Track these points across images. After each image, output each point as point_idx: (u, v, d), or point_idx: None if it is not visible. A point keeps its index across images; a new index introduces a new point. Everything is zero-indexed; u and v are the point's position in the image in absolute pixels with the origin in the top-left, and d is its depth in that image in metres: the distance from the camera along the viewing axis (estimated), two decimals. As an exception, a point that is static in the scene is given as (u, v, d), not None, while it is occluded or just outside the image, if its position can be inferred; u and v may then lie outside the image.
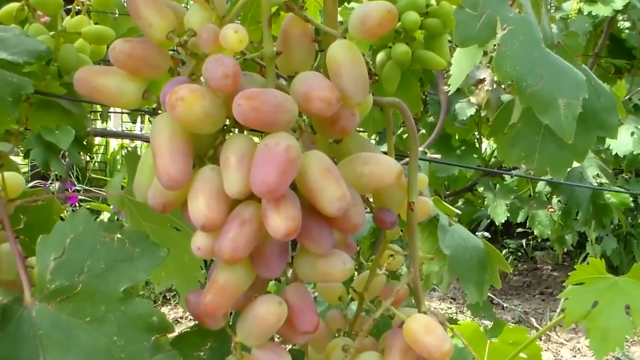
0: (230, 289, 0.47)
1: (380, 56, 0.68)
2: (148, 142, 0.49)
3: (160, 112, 0.49)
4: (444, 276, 0.79)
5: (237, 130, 0.49)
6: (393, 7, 0.45)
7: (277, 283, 0.63)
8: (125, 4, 0.96)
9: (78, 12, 0.76)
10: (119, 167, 4.57)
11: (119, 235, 0.49)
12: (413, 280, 0.54)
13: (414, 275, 0.54)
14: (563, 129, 0.46)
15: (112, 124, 4.71)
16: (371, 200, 0.56)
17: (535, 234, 2.51)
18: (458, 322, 0.96)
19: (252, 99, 0.42)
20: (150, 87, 0.50)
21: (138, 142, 4.66)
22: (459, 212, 0.87)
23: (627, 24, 2.59)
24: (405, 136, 1.85)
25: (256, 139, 0.47)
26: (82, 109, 0.73)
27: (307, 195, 0.45)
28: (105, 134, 2.58)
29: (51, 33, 0.72)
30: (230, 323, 0.52)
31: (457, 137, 2.07)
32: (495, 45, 0.46)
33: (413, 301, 0.56)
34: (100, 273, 0.48)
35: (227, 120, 0.48)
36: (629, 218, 3.53)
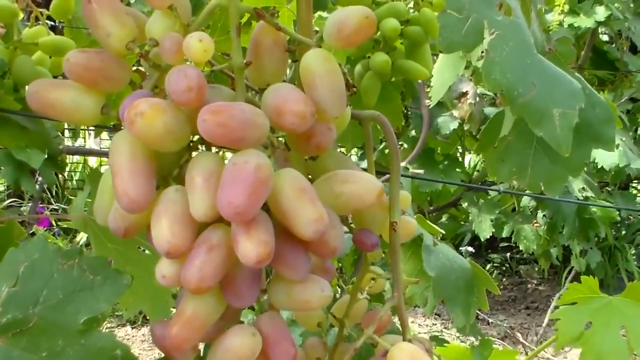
0: (199, 320, 0.43)
1: (358, 67, 0.64)
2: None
3: (122, 128, 0.45)
4: (429, 298, 0.75)
5: (203, 147, 0.45)
6: (371, 12, 0.41)
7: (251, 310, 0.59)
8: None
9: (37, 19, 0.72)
10: (98, 184, 4.49)
11: (78, 263, 0.45)
12: (397, 305, 0.51)
13: (398, 299, 0.51)
14: (559, 142, 0.43)
15: (91, 142, 4.65)
16: (350, 220, 0.53)
17: (519, 248, 2.49)
18: (445, 343, 0.93)
19: (218, 114, 0.39)
20: (113, 101, 0.46)
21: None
22: (442, 231, 0.83)
23: (606, 38, 2.59)
24: (387, 151, 1.82)
25: (229, 154, 0.43)
26: (42, 126, 0.68)
27: (281, 217, 0.42)
28: (80, 151, 2.53)
29: (5, 44, 0.68)
30: (201, 355, 0.48)
31: (439, 151, 2.04)
32: (481, 53, 0.43)
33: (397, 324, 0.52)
34: (57, 304, 0.44)
35: (194, 137, 0.44)
36: (613, 231, 3.53)
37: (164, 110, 0.40)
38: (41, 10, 0.69)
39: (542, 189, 0.54)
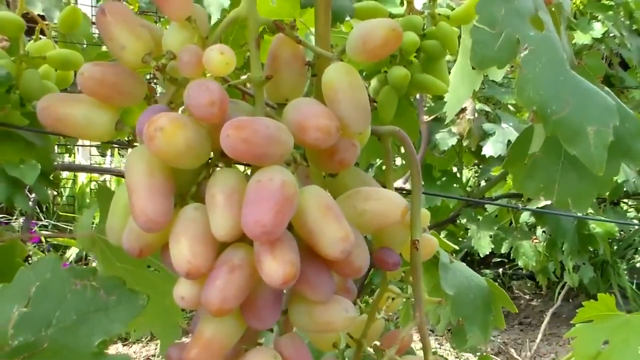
0: (218, 343, 0.41)
1: (374, 82, 0.63)
2: (117, 175, 0.43)
3: (135, 144, 0.44)
4: (441, 316, 0.74)
5: (222, 164, 0.43)
6: (398, 25, 0.40)
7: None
8: (95, 30, 0.90)
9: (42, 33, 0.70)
10: (87, 201, 4.47)
11: (91, 283, 0.44)
12: (419, 325, 0.49)
13: (419, 320, 0.49)
14: (593, 160, 0.41)
15: (80, 157, 4.62)
16: (368, 237, 0.52)
17: (512, 263, 2.48)
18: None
19: (242, 129, 0.37)
20: (122, 116, 0.45)
21: (107, 176, 4.58)
22: (456, 247, 0.82)
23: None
24: (384, 167, 1.81)
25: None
26: (48, 141, 0.67)
27: (305, 236, 0.40)
28: (73, 167, 2.50)
29: (12, 58, 0.66)
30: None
31: (436, 167, 2.03)
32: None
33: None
34: (70, 326, 0.43)
35: (211, 153, 0.43)
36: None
37: (185, 126, 0.38)
38: (47, 23, 0.67)
39: (570, 206, 0.53)
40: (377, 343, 0.57)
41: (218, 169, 0.43)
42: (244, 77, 0.43)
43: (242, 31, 0.59)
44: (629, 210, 3.27)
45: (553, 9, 0.46)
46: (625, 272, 3.79)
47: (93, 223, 0.63)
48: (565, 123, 0.42)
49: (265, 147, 0.38)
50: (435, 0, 0.57)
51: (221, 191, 0.39)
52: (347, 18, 0.56)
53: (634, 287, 3.75)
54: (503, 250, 2.32)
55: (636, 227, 3.55)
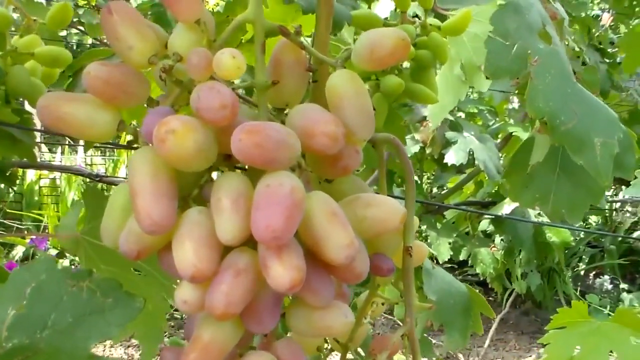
0: (217, 347, 0.41)
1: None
2: (66, 172, 0.43)
3: (135, 146, 0.43)
4: (418, 320, 0.75)
5: (224, 167, 0.43)
6: (406, 35, 0.41)
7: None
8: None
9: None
10: (36, 198, 4.36)
11: (88, 284, 0.43)
12: (409, 331, 0.50)
13: (410, 325, 0.50)
14: (599, 170, 0.43)
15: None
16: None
17: (461, 269, 2.51)
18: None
19: (254, 134, 0.37)
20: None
21: (57, 173, 4.48)
22: (434, 252, 0.83)
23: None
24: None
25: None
26: (32, 138, 0.65)
27: (310, 241, 0.40)
28: (22, 164, 2.43)
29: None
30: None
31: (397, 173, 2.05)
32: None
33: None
34: (66, 328, 0.42)
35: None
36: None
37: (196, 129, 0.38)
38: (34, 18, 0.66)
39: (565, 216, 0.54)
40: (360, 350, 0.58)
41: (222, 172, 0.43)
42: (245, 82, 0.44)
43: (236, 34, 0.59)
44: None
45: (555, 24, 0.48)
46: (570, 279, 3.89)
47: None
48: (573, 134, 0.43)
49: (276, 152, 0.38)
50: (427, 10, 0.58)
51: (227, 195, 0.39)
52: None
53: (578, 294, 3.86)
54: (462, 257, 2.36)
55: (581, 236, 3.66)
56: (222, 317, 0.38)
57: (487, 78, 0.54)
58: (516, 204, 1.93)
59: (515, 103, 2.64)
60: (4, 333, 0.41)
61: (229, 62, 0.39)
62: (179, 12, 0.41)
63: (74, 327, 0.42)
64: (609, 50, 2.19)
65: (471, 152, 1.76)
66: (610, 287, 4.00)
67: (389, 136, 0.51)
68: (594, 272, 4.17)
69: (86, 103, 0.42)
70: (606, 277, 4.04)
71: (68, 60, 0.66)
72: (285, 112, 0.47)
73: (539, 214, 1.93)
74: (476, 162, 1.71)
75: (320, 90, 0.50)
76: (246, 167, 0.45)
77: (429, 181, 2.72)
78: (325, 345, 0.60)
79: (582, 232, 3.49)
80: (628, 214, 4.17)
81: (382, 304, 0.54)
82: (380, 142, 0.52)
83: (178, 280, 0.42)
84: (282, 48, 0.46)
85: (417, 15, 0.60)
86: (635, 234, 4.01)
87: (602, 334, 0.73)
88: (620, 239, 4.11)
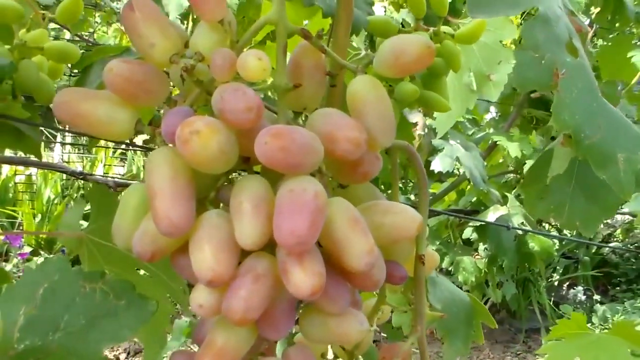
0: (231, 352, 0.41)
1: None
2: (49, 169, 0.42)
3: (153, 146, 0.43)
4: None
5: (243, 170, 0.43)
6: (432, 42, 0.40)
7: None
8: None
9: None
10: (10, 195, 4.30)
11: (101, 286, 0.42)
12: (419, 339, 0.50)
13: (420, 334, 0.49)
14: (622, 186, 0.43)
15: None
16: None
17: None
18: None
19: (280, 137, 0.37)
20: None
21: (33, 170, 4.41)
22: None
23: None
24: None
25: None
26: (38, 134, 0.64)
27: (330, 247, 0.40)
28: (6, 160, 2.39)
29: (7, 47, 0.63)
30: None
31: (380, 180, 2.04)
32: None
33: None
34: (79, 330, 0.41)
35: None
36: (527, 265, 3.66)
37: (219, 130, 0.37)
38: (44, 12, 0.64)
39: (578, 228, 0.54)
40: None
41: (242, 175, 0.42)
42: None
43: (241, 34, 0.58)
44: (551, 230, 3.38)
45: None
46: (545, 289, 3.92)
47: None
48: (597, 148, 0.43)
49: (301, 157, 0.37)
50: (441, 18, 0.58)
51: (249, 199, 0.39)
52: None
53: (552, 304, 3.89)
54: (444, 265, 2.36)
55: (556, 247, 3.68)
56: (241, 322, 0.38)
57: (514, 90, 0.54)
58: (500, 213, 1.94)
59: (493, 112, 2.65)
60: (16, 334, 0.40)
61: (254, 63, 0.38)
62: (205, 12, 0.41)
63: (86, 330, 0.41)
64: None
65: (457, 160, 1.76)
66: (583, 297, 4.05)
67: (404, 143, 0.50)
68: (567, 283, 4.20)
69: (105, 101, 0.41)
70: (580, 288, 4.09)
71: (77, 56, 0.65)
72: (302, 116, 0.46)
73: (522, 223, 1.93)
74: (462, 169, 1.70)
75: (336, 95, 0.50)
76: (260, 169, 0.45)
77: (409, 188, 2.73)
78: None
79: (557, 244, 3.51)
80: (602, 226, 4.21)
81: (392, 311, 0.54)
82: (395, 150, 0.51)
83: (180, 282, 0.41)
84: (302, 51, 0.45)
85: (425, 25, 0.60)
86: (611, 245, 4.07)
87: (600, 346, 0.73)
88: (594, 251, 4.15)
